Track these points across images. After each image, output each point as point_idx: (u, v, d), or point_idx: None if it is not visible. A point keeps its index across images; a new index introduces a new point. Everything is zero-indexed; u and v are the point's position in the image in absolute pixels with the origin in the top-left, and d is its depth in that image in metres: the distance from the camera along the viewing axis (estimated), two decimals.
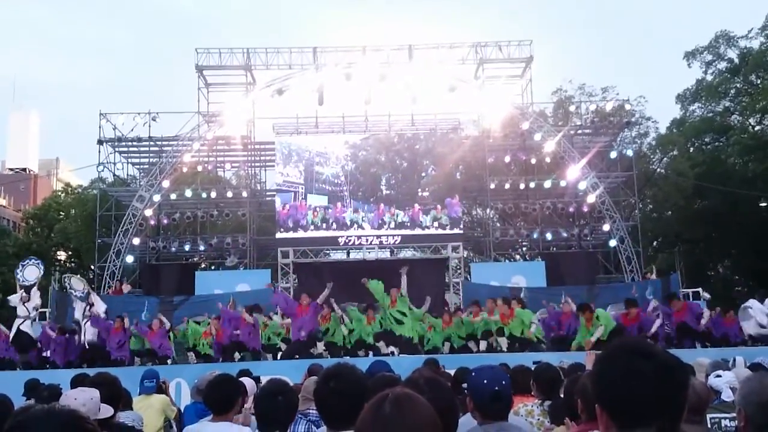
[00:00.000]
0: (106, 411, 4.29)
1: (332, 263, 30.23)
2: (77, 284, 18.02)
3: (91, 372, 7.50)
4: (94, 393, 4.24)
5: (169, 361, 16.89)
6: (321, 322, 16.60)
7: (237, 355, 16.46)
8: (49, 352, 17.22)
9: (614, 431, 2.02)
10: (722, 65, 41.48)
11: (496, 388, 3.63)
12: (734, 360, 7.81)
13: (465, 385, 4.10)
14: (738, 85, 41.37)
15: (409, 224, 29.01)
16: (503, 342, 15.93)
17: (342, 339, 16.81)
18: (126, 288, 27.67)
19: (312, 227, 29.00)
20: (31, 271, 17.91)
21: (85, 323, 17.13)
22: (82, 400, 4.08)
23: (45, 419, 1.84)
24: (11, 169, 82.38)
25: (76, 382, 6.18)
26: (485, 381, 3.66)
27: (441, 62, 30.12)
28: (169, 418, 8.36)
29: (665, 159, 42.13)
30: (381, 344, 16.24)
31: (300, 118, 30.60)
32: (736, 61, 40.86)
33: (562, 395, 5.32)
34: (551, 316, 17.08)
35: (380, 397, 2.04)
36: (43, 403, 2.40)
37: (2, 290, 38.23)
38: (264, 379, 8.52)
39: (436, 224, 29.10)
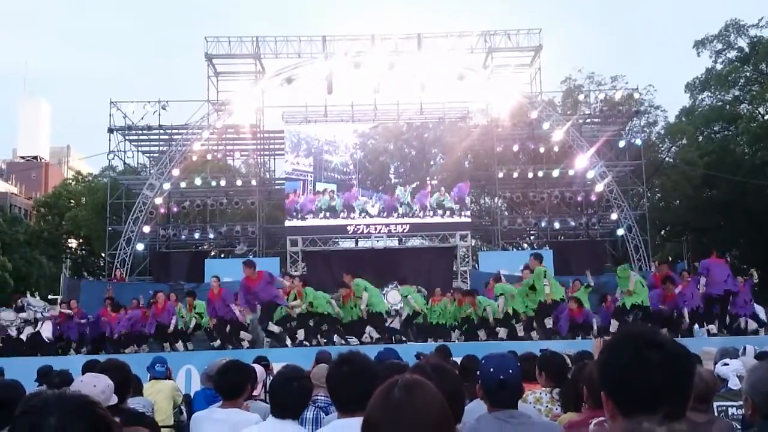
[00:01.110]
0: (113, 399, 4.34)
1: (341, 251, 30.26)
2: (36, 302, 17.34)
3: (101, 358, 7.56)
4: (110, 380, 4.27)
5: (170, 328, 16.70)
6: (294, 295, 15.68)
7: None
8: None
9: (619, 419, 2.02)
10: (732, 54, 41.21)
11: (502, 376, 3.61)
12: (744, 348, 7.78)
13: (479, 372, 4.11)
14: (748, 74, 41.10)
15: (418, 211, 29.01)
16: (503, 332, 15.81)
17: (326, 308, 15.73)
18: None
19: (321, 213, 29.04)
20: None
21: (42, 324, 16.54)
22: (101, 387, 4.10)
23: (56, 404, 1.85)
24: (22, 157, 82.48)
25: (87, 368, 6.23)
26: (491, 369, 3.66)
27: (450, 51, 29.98)
28: (178, 404, 8.44)
29: (674, 148, 41.98)
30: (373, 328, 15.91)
31: (309, 107, 30.58)
32: (746, 50, 40.59)
33: None
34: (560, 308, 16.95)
35: (390, 383, 2.04)
36: (54, 389, 2.42)
37: (14, 278, 38.49)
38: (273, 366, 8.60)
39: (442, 212, 29.09)
